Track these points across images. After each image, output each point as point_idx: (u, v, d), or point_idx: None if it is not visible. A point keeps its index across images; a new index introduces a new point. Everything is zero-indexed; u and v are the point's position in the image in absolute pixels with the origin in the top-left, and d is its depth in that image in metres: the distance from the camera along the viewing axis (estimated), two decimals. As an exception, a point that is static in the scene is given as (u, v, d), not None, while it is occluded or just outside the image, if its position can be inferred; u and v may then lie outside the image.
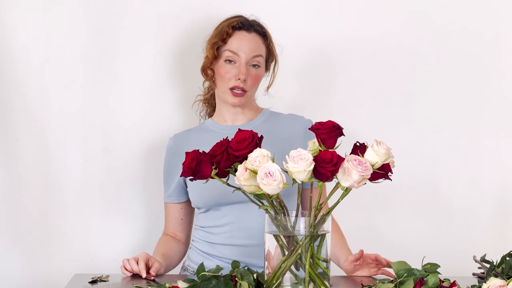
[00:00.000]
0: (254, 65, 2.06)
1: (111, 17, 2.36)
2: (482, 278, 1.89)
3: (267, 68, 2.15)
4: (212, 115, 2.21)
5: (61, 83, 2.36)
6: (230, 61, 2.06)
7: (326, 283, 1.63)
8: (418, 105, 2.46)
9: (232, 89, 2.05)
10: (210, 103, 2.23)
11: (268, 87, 2.19)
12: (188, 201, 2.14)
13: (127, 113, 2.39)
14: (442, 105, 2.47)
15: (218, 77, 2.09)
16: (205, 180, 1.63)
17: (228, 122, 2.13)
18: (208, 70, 2.13)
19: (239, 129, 1.65)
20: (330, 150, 1.57)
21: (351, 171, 1.53)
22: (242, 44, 2.06)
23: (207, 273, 1.69)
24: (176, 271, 2.16)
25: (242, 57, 2.05)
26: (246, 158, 1.58)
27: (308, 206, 1.65)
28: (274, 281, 1.62)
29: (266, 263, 1.64)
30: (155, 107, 2.39)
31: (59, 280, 2.23)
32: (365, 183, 1.57)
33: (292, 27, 2.41)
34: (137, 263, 1.89)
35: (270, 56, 2.13)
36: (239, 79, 2.04)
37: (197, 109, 2.28)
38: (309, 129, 1.63)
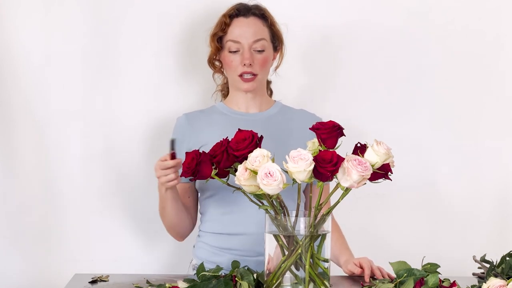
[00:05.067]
0: (258, 51, 2.06)
1: (111, 17, 2.36)
2: (482, 278, 1.89)
3: (276, 50, 2.14)
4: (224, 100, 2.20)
5: (61, 83, 2.36)
6: (234, 50, 2.06)
7: (326, 283, 1.63)
8: (419, 105, 2.46)
9: (241, 75, 2.06)
10: (226, 91, 2.22)
11: (276, 68, 2.19)
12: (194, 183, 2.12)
13: (127, 113, 2.39)
14: (443, 105, 2.46)
15: (226, 67, 2.11)
16: (205, 180, 1.63)
17: (241, 109, 2.13)
18: (215, 61, 2.15)
19: (239, 129, 1.66)
20: (330, 150, 1.58)
21: (351, 171, 1.53)
22: (241, 31, 2.06)
23: (207, 273, 1.69)
24: (184, 270, 2.15)
25: (244, 44, 2.05)
26: (246, 158, 1.58)
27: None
28: (274, 281, 1.62)
29: (266, 263, 1.64)
30: (155, 107, 2.39)
31: (59, 280, 2.23)
32: (365, 183, 1.57)
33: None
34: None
35: (275, 37, 2.12)
36: (244, 65, 2.04)
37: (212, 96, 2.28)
38: (309, 128, 1.63)
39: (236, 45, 2.06)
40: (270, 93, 2.24)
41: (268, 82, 2.22)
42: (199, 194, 2.14)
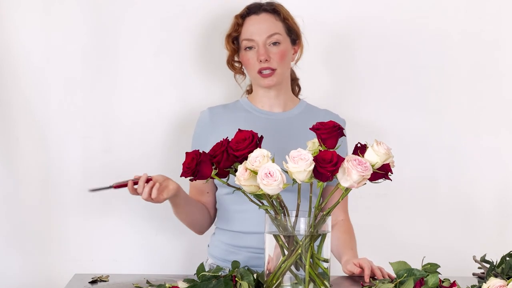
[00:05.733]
0: (273, 43, 2.06)
1: (111, 17, 2.36)
2: (482, 278, 1.89)
3: (295, 43, 2.13)
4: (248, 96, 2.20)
5: (61, 83, 2.36)
6: (249, 47, 2.07)
7: (326, 283, 1.63)
8: (419, 105, 2.46)
9: (260, 72, 2.06)
10: (250, 88, 2.22)
11: (296, 61, 2.18)
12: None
13: (127, 113, 2.39)
14: (443, 104, 2.47)
15: (245, 66, 2.12)
16: (205, 180, 1.63)
17: (265, 107, 2.13)
18: (234, 63, 2.17)
19: (239, 129, 1.65)
20: (330, 150, 1.58)
21: (351, 171, 1.53)
22: (253, 29, 2.07)
23: (207, 273, 1.69)
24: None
25: (259, 40, 2.05)
26: (246, 158, 1.58)
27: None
28: (274, 281, 1.62)
29: (266, 263, 1.64)
30: (155, 107, 2.39)
31: (59, 280, 2.23)
32: (365, 183, 1.57)
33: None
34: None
35: (291, 31, 2.11)
36: (260, 61, 2.04)
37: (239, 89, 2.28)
38: (310, 129, 1.63)
39: (251, 43, 2.07)
40: (298, 90, 2.24)
41: (295, 79, 2.22)
42: (217, 189, 2.13)
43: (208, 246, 2.16)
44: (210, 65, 2.40)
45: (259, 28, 2.06)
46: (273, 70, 2.05)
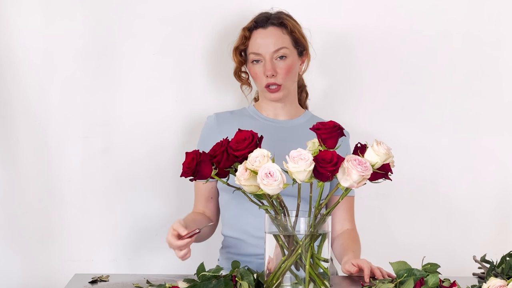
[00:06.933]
0: (280, 57, 2.06)
1: (111, 17, 2.37)
2: (482, 278, 1.89)
3: (302, 55, 2.13)
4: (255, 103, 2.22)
5: (61, 83, 2.36)
6: (256, 61, 2.07)
7: (326, 283, 1.63)
8: (419, 105, 2.46)
9: (267, 86, 2.07)
10: (257, 96, 2.24)
11: (303, 72, 2.19)
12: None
13: (127, 112, 2.39)
14: (443, 105, 2.47)
15: (253, 78, 2.13)
16: (205, 180, 1.63)
17: (270, 115, 2.14)
18: (241, 73, 2.18)
19: (239, 129, 1.66)
20: (330, 150, 1.58)
21: (351, 171, 1.53)
22: (260, 43, 2.07)
23: (207, 273, 1.69)
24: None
25: (265, 55, 2.06)
26: (246, 158, 1.58)
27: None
28: (274, 281, 1.62)
29: (266, 263, 1.65)
30: (155, 107, 2.39)
31: (59, 280, 2.23)
32: (365, 183, 1.57)
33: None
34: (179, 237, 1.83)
35: (298, 43, 2.11)
36: (267, 76, 2.05)
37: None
38: (310, 128, 1.63)
39: (258, 57, 2.07)
40: (306, 96, 2.25)
41: (303, 86, 2.23)
42: (219, 195, 2.14)
43: (218, 260, 2.16)
44: (211, 66, 2.40)
45: (266, 42, 2.06)
46: (279, 85, 2.06)
